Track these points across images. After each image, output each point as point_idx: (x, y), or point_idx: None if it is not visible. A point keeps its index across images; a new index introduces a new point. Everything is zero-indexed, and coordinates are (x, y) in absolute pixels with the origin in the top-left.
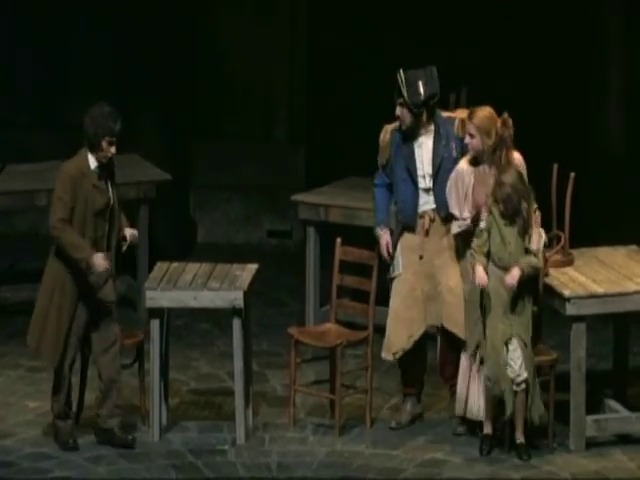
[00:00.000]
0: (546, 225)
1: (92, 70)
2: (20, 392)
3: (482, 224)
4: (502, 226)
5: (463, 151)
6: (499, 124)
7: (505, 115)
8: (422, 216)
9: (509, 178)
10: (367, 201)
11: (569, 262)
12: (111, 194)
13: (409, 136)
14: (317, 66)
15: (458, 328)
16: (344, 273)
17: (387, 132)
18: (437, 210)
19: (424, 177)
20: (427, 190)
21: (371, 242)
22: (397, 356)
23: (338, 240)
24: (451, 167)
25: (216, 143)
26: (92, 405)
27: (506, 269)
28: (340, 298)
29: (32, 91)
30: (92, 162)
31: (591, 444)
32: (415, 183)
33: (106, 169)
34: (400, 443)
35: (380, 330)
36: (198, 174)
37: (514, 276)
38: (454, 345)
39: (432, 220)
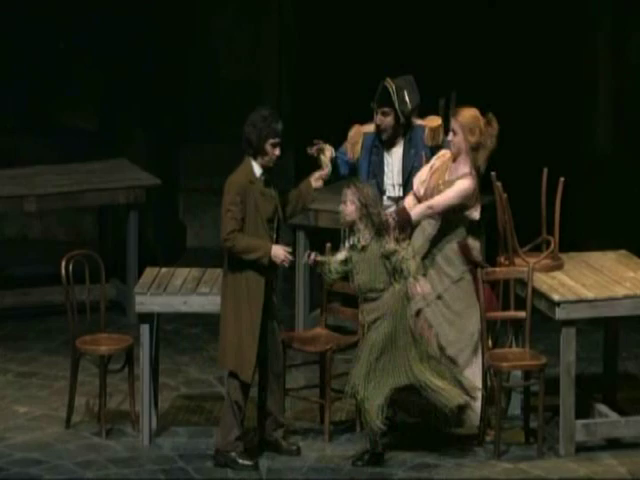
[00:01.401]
0: (535, 229)
1: (80, 74)
2: (9, 397)
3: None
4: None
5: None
6: (483, 123)
7: (490, 115)
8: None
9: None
10: None
11: (558, 266)
12: (277, 198)
13: (383, 143)
14: (306, 69)
15: None
16: None
17: (359, 133)
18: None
19: (393, 186)
20: (396, 199)
21: None
22: None
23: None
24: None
25: (205, 146)
26: (81, 409)
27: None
28: (330, 303)
29: (19, 95)
30: (257, 169)
31: (581, 448)
32: (381, 191)
33: (271, 175)
34: (390, 447)
35: None
36: (187, 178)
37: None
38: None
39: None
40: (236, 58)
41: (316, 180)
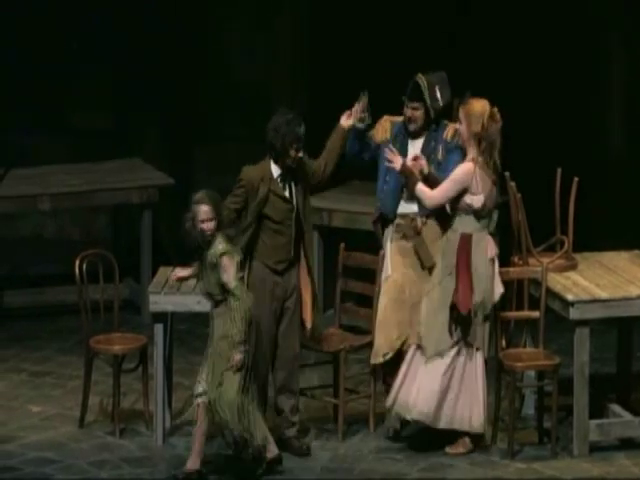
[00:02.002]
0: (549, 230)
1: (94, 74)
2: (23, 396)
3: None
4: None
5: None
6: (487, 116)
7: (494, 109)
8: (413, 219)
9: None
10: (369, 205)
11: (572, 267)
12: (295, 200)
13: (409, 135)
14: (319, 70)
15: None
16: (347, 278)
17: (387, 121)
18: (420, 213)
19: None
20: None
21: (373, 246)
22: (387, 357)
23: (342, 245)
24: (435, 169)
25: (218, 147)
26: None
27: None
28: (344, 303)
29: (34, 95)
30: (275, 171)
31: (594, 448)
32: (399, 179)
33: (291, 174)
34: (403, 447)
35: None
36: (201, 177)
37: None
38: None
39: (424, 224)
40: (250, 59)
41: (345, 119)
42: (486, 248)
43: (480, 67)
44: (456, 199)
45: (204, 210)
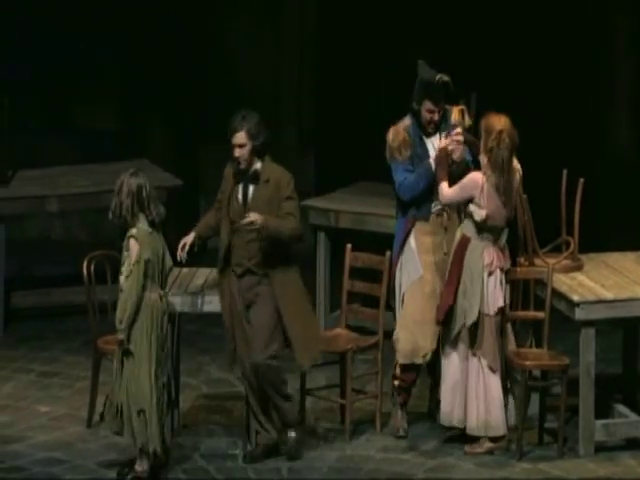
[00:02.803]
0: (555, 231)
1: (101, 75)
2: (31, 397)
3: None
4: None
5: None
6: (504, 135)
7: (511, 130)
8: (439, 214)
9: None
10: (377, 206)
11: (578, 267)
12: (249, 205)
13: (426, 135)
14: (326, 70)
15: None
16: (354, 278)
17: (400, 132)
18: (444, 207)
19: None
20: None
21: (380, 247)
22: (427, 358)
23: (348, 246)
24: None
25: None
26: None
27: None
28: (350, 303)
29: (41, 96)
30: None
31: (600, 448)
32: (431, 176)
33: (247, 178)
34: (410, 448)
35: (390, 335)
36: (208, 179)
37: None
38: None
39: (449, 218)
40: (257, 59)
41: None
42: (482, 256)
43: (486, 67)
44: (464, 204)
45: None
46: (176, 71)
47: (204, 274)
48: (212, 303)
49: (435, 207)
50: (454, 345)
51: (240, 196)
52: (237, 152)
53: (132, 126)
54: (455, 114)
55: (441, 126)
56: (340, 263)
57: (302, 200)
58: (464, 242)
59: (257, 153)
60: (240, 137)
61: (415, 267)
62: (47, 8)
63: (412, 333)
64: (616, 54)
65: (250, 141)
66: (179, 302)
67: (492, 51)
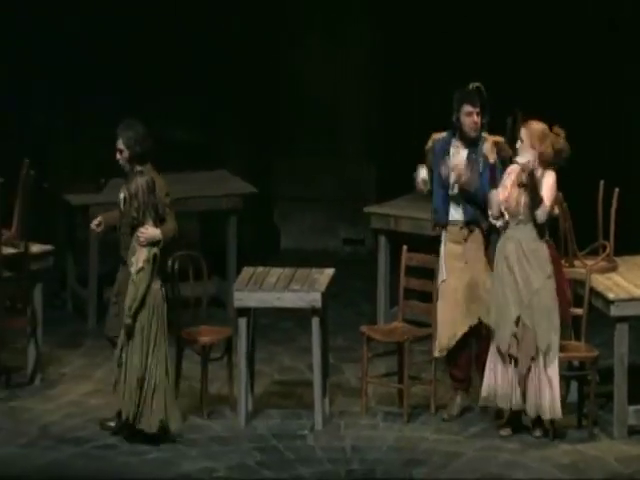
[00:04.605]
0: (592, 236)
1: (190, 97)
2: None
3: None
4: None
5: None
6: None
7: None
8: (461, 227)
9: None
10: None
11: (613, 268)
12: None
13: (466, 145)
14: (388, 86)
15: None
16: (411, 276)
17: (430, 140)
18: (467, 223)
19: (453, 186)
20: (454, 198)
21: (435, 249)
22: (443, 353)
23: (404, 247)
24: (475, 178)
25: (297, 160)
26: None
27: None
28: (407, 299)
29: (137, 113)
30: None
31: (633, 432)
32: (446, 187)
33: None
34: (461, 430)
35: None
36: (281, 188)
37: None
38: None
39: (471, 231)
40: (325, 81)
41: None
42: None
43: (529, 88)
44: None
45: None
46: (252, 92)
47: (276, 273)
48: (281, 299)
49: (452, 217)
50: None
51: (121, 197)
52: (117, 156)
53: (215, 141)
54: (489, 145)
55: (473, 146)
56: (399, 263)
57: (365, 206)
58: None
59: (137, 159)
60: (119, 143)
61: (440, 271)
62: (142, 25)
63: (438, 331)
64: None
65: (127, 149)
66: (254, 298)
67: (531, 65)
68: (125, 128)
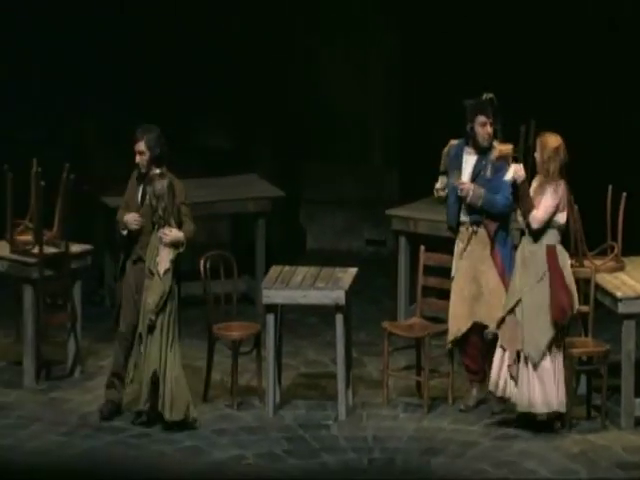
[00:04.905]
0: (601, 237)
1: (221, 105)
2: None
3: None
4: None
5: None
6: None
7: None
8: (467, 227)
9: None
10: None
11: (621, 268)
12: (146, 204)
13: (479, 152)
14: (408, 98)
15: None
16: (428, 275)
17: (447, 146)
18: (472, 223)
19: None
20: (462, 198)
21: (450, 249)
22: (450, 346)
23: (422, 247)
24: (482, 184)
25: (323, 165)
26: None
27: None
28: (425, 297)
29: (169, 119)
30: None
31: (639, 422)
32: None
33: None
34: (477, 420)
35: None
36: (307, 191)
37: None
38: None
39: (475, 232)
40: (348, 85)
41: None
42: (566, 259)
43: (524, 82)
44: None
45: None
46: (281, 102)
47: (303, 272)
48: (307, 296)
49: (462, 218)
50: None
51: (138, 198)
52: (137, 158)
53: (244, 146)
54: (496, 153)
55: (482, 153)
56: (418, 263)
57: (387, 209)
58: (552, 252)
59: (156, 161)
60: (140, 145)
61: (452, 269)
62: (172, 33)
63: (449, 325)
64: None
65: (148, 150)
66: (281, 295)
67: (534, 73)
68: (146, 131)
